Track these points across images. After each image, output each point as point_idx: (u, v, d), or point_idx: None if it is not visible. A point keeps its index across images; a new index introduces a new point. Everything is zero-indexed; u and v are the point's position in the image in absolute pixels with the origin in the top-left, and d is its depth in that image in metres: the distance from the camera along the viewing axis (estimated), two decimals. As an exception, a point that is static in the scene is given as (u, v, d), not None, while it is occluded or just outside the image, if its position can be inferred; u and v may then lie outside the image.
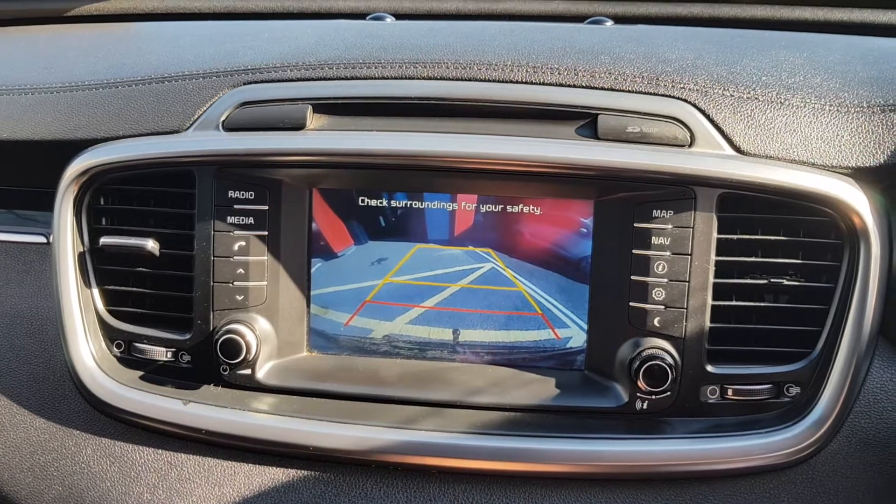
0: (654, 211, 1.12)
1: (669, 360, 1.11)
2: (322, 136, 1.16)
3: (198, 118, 1.20)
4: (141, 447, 1.20)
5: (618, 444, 1.12)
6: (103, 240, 1.21)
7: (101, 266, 1.24)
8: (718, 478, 1.12)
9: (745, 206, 1.12)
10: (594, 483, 1.13)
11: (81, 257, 1.23)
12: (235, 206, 1.18)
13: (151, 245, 1.20)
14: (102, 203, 1.24)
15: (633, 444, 1.12)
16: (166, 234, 1.21)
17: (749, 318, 1.14)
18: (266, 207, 1.18)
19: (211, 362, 1.19)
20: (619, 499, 1.12)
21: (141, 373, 1.23)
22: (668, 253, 1.12)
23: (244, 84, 1.20)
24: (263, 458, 1.17)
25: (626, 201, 1.13)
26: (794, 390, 1.14)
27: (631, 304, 1.14)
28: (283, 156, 1.16)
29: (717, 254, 1.12)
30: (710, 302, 1.12)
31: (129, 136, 1.21)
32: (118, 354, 1.24)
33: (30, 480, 1.21)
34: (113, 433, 1.21)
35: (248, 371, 1.20)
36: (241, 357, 1.16)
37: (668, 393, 1.13)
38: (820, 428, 1.10)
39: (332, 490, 1.15)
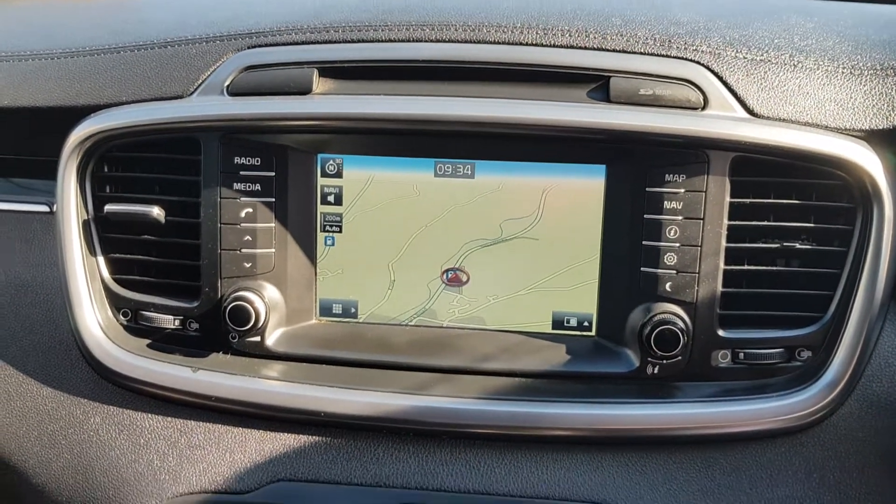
0: (667, 175, 1.10)
1: (681, 324, 1.10)
2: (329, 101, 1.15)
3: (202, 83, 1.18)
4: (150, 415, 1.19)
5: (628, 409, 1.12)
6: (108, 207, 1.20)
7: (106, 234, 1.23)
8: (729, 441, 1.12)
9: (757, 169, 1.11)
10: (605, 447, 1.13)
11: (86, 226, 1.22)
12: (241, 173, 1.17)
13: (157, 212, 1.19)
14: (106, 171, 1.22)
15: (643, 408, 1.12)
16: (172, 202, 1.20)
17: (761, 283, 1.14)
18: (273, 173, 1.17)
19: (219, 330, 1.19)
20: (629, 462, 1.12)
21: (148, 341, 1.23)
22: (680, 217, 1.11)
23: (248, 48, 1.18)
24: (274, 425, 1.17)
25: (639, 165, 1.12)
26: (806, 354, 1.13)
27: (643, 269, 1.13)
28: (289, 120, 1.15)
29: (730, 218, 1.11)
30: (722, 266, 1.11)
31: (133, 102, 1.19)
32: (125, 323, 1.23)
33: (38, 449, 1.21)
34: (121, 401, 1.20)
35: (258, 338, 1.19)
36: (250, 324, 1.16)
37: (679, 358, 1.13)
38: (831, 392, 1.10)
39: (343, 455, 1.15)
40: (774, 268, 1.13)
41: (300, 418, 1.16)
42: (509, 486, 1.12)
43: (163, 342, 1.22)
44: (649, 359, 1.14)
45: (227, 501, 1.14)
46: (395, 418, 1.14)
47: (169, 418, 1.19)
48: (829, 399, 1.10)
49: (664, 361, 1.13)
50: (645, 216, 1.12)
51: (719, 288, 1.12)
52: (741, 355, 1.13)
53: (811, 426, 1.11)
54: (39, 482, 1.21)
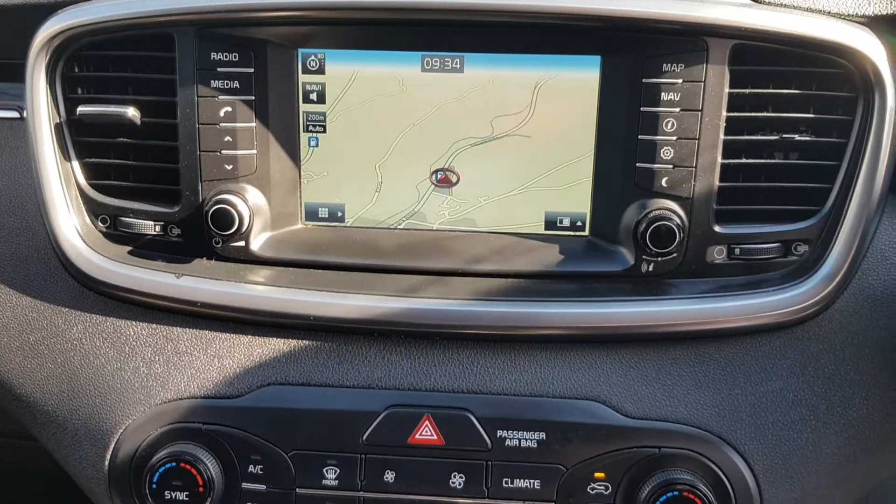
0: (665, 65, 1.06)
1: (677, 220, 1.08)
2: (310, -10, 1.08)
3: (174, -26, 1.11)
4: (134, 322, 1.16)
5: (623, 307, 1.11)
6: (80, 109, 1.14)
7: (79, 138, 1.17)
8: (724, 336, 1.11)
9: (757, 58, 1.07)
10: (599, 345, 1.12)
11: (59, 129, 1.16)
12: (219, 70, 1.11)
13: (132, 113, 1.13)
14: (77, 71, 1.16)
15: (638, 305, 1.11)
16: (147, 102, 1.14)
17: (758, 177, 1.11)
18: (251, 70, 1.12)
19: (202, 235, 1.15)
20: (623, 359, 1.11)
21: (129, 248, 1.19)
22: (677, 110, 1.07)
23: (224, -65, 1.11)
24: (262, 330, 1.15)
25: (635, 55, 1.08)
26: (802, 248, 1.12)
27: (638, 165, 1.10)
28: (268, 11, 1.09)
29: (728, 110, 1.08)
30: (719, 160, 1.09)
31: (102, -4, 1.13)
32: (104, 230, 1.19)
33: (20, 359, 1.18)
34: (103, 310, 1.17)
35: (242, 243, 1.16)
36: (234, 228, 1.12)
37: (675, 254, 1.11)
38: (827, 285, 1.09)
39: (334, 358, 1.13)
40: (772, 160, 1.11)
41: (289, 323, 1.14)
42: (503, 385, 1.11)
43: (144, 249, 1.19)
44: (644, 256, 1.12)
45: (217, 406, 1.12)
46: (385, 321, 1.12)
47: (154, 325, 1.16)
48: (825, 293, 1.09)
49: (659, 259, 1.11)
50: (641, 109, 1.08)
51: (716, 182, 1.09)
52: (737, 251, 1.12)
53: (806, 320, 1.10)
54: (24, 392, 1.18)
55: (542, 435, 1.09)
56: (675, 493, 1.05)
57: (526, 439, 1.10)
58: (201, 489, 1.09)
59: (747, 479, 1.08)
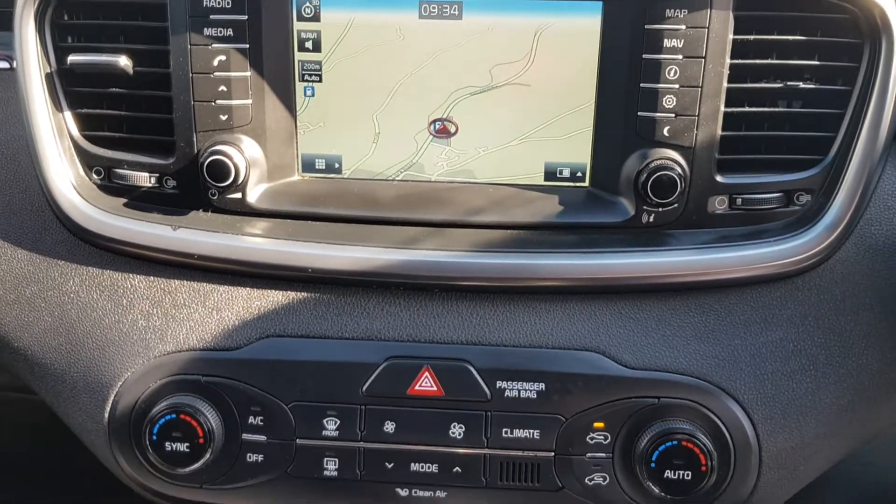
0: (668, 10, 1.04)
1: (678, 170, 1.07)
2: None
3: (164, -85, 1.08)
4: (131, 275, 1.15)
5: (623, 258, 1.10)
6: (71, 58, 1.12)
7: (71, 88, 1.15)
8: (724, 287, 1.10)
9: (762, 4, 1.05)
10: (598, 296, 1.11)
11: (50, 79, 1.14)
12: (212, 17, 1.09)
13: (124, 62, 1.11)
14: (67, 19, 1.13)
15: (638, 256, 1.10)
16: (139, 51, 1.12)
17: (761, 126, 1.10)
18: (245, 17, 1.09)
19: (198, 186, 1.14)
20: (623, 310, 1.11)
21: (124, 200, 1.17)
22: (680, 57, 1.05)
23: None
24: (260, 282, 1.14)
25: (637, 0, 1.05)
26: (805, 198, 1.11)
27: (640, 113, 1.08)
28: (262, -44, 1.06)
29: (732, 57, 1.05)
30: (722, 109, 1.07)
31: (90, -61, 1.10)
32: (98, 182, 1.18)
33: (16, 313, 1.17)
34: (100, 262, 1.16)
35: (238, 195, 1.14)
36: (230, 180, 1.11)
37: (676, 205, 1.10)
38: (829, 235, 1.08)
39: (333, 310, 1.13)
40: (776, 109, 1.09)
41: (287, 275, 1.13)
42: (503, 337, 1.11)
43: (139, 201, 1.17)
44: (645, 207, 1.10)
45: (216, 358, 1.12)
46: (384, 272, 1.11)
47: (151, 278, 1.15)
48: (827, 243, 1.08)
49: (660, 209, 1.10)
50: (643, 56, 1.06)
51: (718, 131, 1.08)
52: (739, 201, 1.10)
53: (807, 270, 1.09)
54: (21, 346, 1.18)
55: (542, 385, 1.10)
56: (674, 442, 1.05)
57: (525, 390, 1.10)
58: (201, 440, 1.09)
59: (746, 429, 1.08)
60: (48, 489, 2.11)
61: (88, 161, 1.17)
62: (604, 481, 1.11)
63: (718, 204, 1.11)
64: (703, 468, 1.06)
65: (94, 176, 1.18)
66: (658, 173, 1.07)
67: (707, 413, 1.08)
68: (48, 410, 1.24)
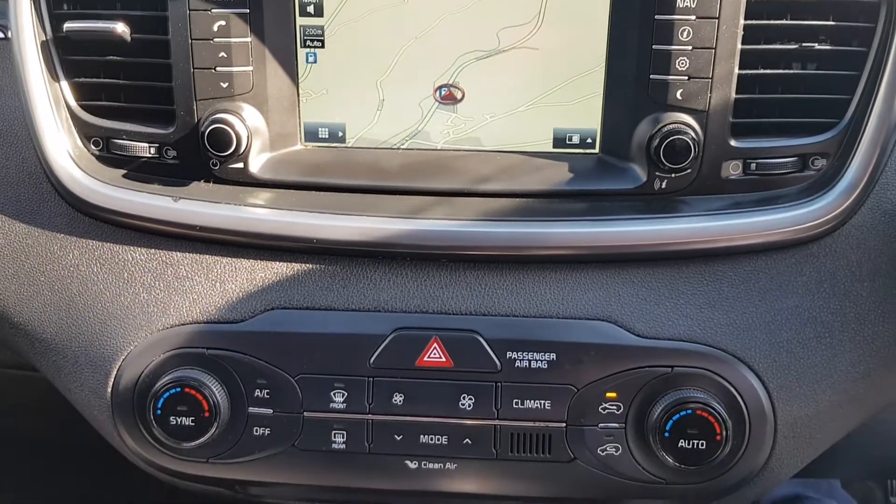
0: (681, -31, 1.01)
1: (692, 134, 1.04)
2: None
3: None
4: (131, 248, 1.13)
5: (634, 225, 1.07)
6: (67, 25, 1.09)
7: (67, 57, 1.12)
8: (738, 254, 1.08)
9: (777, -38, 1.02)
10: (609, 265, 1.09)
11: (45, 48, 1.11)
12: (211, -19, 1.06)
13: (121, 29, 1.08)
14: (62, -16, 1.11)
15: (650, 223, 1.08)
16: (136, 17, 1.09)
17: (776, 89, 1.07)
18: (245, -19, 1.06)
19: (199, 156, 1.11)
20: (635, 279, 1.09)
21: (123, 171, 1.15)
22: (693, 17, 1.02)
23: None
24: (264, 254, 1.11)
25: (649, -40, 1.02)
26: (820, 163, 1.09)
27: (652, 77, 1.05)
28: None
29: (746, 17, 1.03)
30: (736, 71, 1.04)
31: None
32: (97, 153, 1.15)
33: (16, 287, 1.15)
34: (99, 235, 1.14)
35: (241, 165, 1.12)
36: (232, 149, 1.08)
37: (689, 170, 1.07)
38: (845, 200, 1.06)
39: (338, 282, 1.10)
40: (791, 71, 1.06)
41: (291, 246, 1.10)
42: (512, 307, 1.09)
43: (139, 172, 1.14)
44: (657, 173, 1.08)
45: (220, 331, 1.10)
46: (391, 242, 1.08)
47: (152, 250, 1.13)
48: (843, 208, 1.06)
49: (673, 175, 1.08)
50: (655, 17, 1.03)
51: (732, 94, 1.05)
52: (753, 166, 1.08)
53: (822, 236, 1.07)
54: (21, 320, 1.15)
55: (553, 356, 1.07)
56: (688, 411, 1.03)
57: (536, 360, 1.08)
58: (207, 414, 1.07)
59: (761, 398, 1.07)
60: (52, 468, 2.10)
61: (86, 131, 1.15)
62: (616, 452, 1.09)
63: (732, 169, 1.09)
64: (718, 437, 1.04)
65: (93, 147, 1.15)
66: (671, 138, 1.04)
67: (721, 382, 1.06)
68: (50, 388, 1.22)
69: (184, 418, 1.08)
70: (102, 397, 1.13)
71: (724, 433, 1.04)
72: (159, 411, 1.08)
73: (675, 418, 1.04)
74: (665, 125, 1.05)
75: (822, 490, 1.70)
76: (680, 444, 1.04)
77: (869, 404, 1.14)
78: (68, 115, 1.14)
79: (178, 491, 1.28)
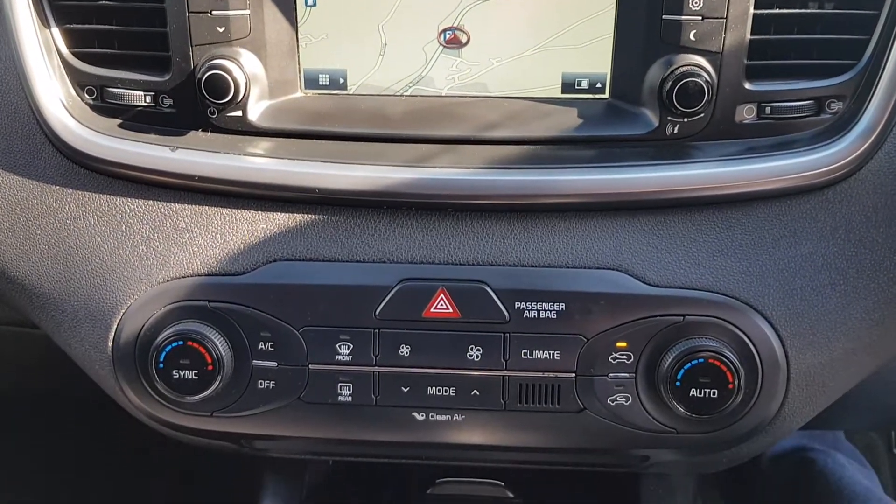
0: None
1: (706, 76, 1.01)
2: None
3: None
4: (129, 199, 1.10)
5: (645, 171, 1.04)
6: (56, -32, 1.05)
7: (58, 2, 1.08)
8: (752, 200, 1.05)
9: None
10: (620, 213, 1.06)
11: (35, -8, 1.08)
12: (205, -82, 1.02)
13: (113, -29, 1.04)
14: (50, -75, 1.06)
15: (661, 170, 1.04)
16: (129, -42, 1.05)
17: (792, 29, 1.03)
18: (241, -83, 1.02)
19: (196, 104, 1.08)
20: (646, 227, 1.06)
21: (118, 121, 1.11)
22: (708, -46, 0.99)
23: None
24: (265, 205, 1.08)
25: None
26: (836, 106, 1.05)
27: (664, 16, 1.02)
28: None
29: (762, -48, 0.99)
30: (751, 11, 1.01)
31: None
32: (91, 102, 1.11)
33: (12, 241, 1.12)
34: (96, 187, 1.10)
35: (239, 113, 1.09)
36: (229, 96, 1.05)
37: (702, 114, 1.04)
38: (862, 144, 1.03)
39: (342, 233, 1.08)
40: (808, 10, 1.03)
41: (293, 196, 1.07)
42: (520, 257, 1.06)
43: (135, 121, 1.11)
44: (669, 117, 1.05)
45: (222, 283, 1.08)
46: (395, 192, 1.06)
47: (150, 202, 1.10)
48: (860, 152, 1.03)
49: (685, 120, 1.05)
50: (668, -47, 1.00)
51: (748, 35, 1.02)
52: (768, 109, 1.05)
53: (838, 181, 1.04)
54: (17, 275, 1.13)
55: (562, 306, 1.05)
56: (700, 360, 1.02)
57: (545, 311, 1.06)
58: (210, 367, 1.06)
59: (774, 346, 1.05)
60: (54, 427, 2.10)
61: (79, 80, 1.11)
62: (626, 402, 1.07)
63: (746, 113, 1.05)
64: (731, 386, 1.02)
65: (87, 96, 1.12)
66: (684, 80, 1.01)
67: (734, 330, 1.04)
68: (51, 344, 1.21)
69: (186, 372, 1.06)
70: (103, 352, 1.12)
71: (736, 382, 1.03)
72: (161, 365, 1.06)
73: (686, 367, 1.02)
74: (678, 67, 1.02)
75: (827, 442, 1.70)
76: (691, 393, 1.03)
77: (883, 352, 1.12)
78: (60, 64, 1.10)
79: (183, 447, 1.27)
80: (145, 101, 1.10)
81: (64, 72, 1.11)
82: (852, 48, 1.04)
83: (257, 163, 1.08)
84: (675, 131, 1.06)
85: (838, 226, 1.05)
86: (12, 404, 1.95)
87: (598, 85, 1.10)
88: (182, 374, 1.06)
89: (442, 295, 1.07)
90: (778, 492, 1.63)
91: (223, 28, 1.06)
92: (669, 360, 1.03)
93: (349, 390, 1.10)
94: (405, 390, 1.09)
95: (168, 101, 1.10)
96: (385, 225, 1.08)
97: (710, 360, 1.02)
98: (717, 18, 1.01)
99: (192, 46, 1.06)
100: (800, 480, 1.59)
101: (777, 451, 1.67)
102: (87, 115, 1.11)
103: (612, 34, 1.07)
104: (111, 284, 1.10)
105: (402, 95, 1.12)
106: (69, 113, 1.09)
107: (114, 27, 1.08)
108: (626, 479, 1.52)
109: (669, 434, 1.09)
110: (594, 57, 1.09)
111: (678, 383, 1.03)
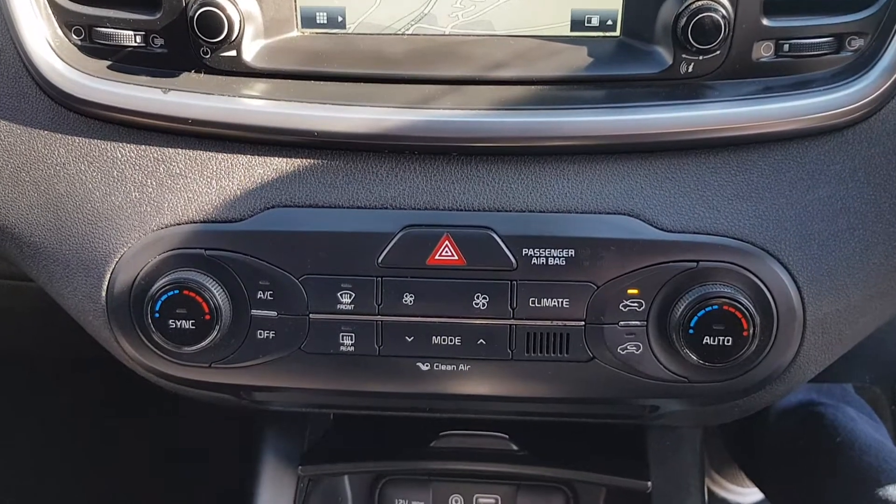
0: None
1: (722, 11, 0.97)
2: None
3: None
4: (121, 144, 1.06)
5: (658, 112, 1.00)
6: None
7: (40, -64, 1.04)
8: (769, 142, 1.01)
9: None
10: (632, 155, 1.02)
11: (15, -76, 1.02)
12: None
13: None
14: None
15: (674, 110, 1.00)
16: None
17: (812, -39, 0.99)
18: None
19: (189, 44, 1.03)
20: (658, 170, 1.02)
21: (108, 62, 1.07)
22: None
23: None
24: (262, 149, 1.04)
25: None
26: (857, 43, 1.01)
27: (679, -53, 0.97)
28: None
29: None
30: (770, -60, 0.96)
31: None
32: (79, 43, 1.07)
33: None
34: (86, 131, 1.06)
35: (233, 53, 1.04)
36: (223, 35, 1.01)
37: (718, 52, 1.00)
38: (883, 83, 0.99)
39: (342, 178, 1.04)
40: (828, -60, 0.98)
41: (291, 140, 1.03)
42: (528, 202, 1.03)
43: (125, 62, 1.06)
44: (683, 55, 1.01)
45: (218, 230, 1.04)
46: (397, 134, 1.01)
47: (142, 147, 1.06)
48: (881, 91, 0.99)
49: (700, 57, 1.00)
50: None
51: (766, -33, 0.97)
52: (786, 47, 1.01)
53: (858, 122, 1.00)
54: (7, 223, 1.09)
55: (571, 252, 1.02)
56: (714, 307, 0.98)
57: (553, 257, 1.02)
58: (208, 317, 1.02)
59: (790, 292, 1.02)
60: (51, 384, 2.08)
61: (67, 19, 1.06)
62: (637, 350, 1.05)
63: (764, 51, 1.01)
64: (745, 333, 0.99)
65: (74, 36, 1.07)
66: (699, 16, 0.97)
67: (749, 276, 1.01)
68: (45, 297, 1.17)
69: (183, 321, 1.03)
70: (97, 302, 1.08)
71: (751, 329, 0.99)
72: (157, 314, 1.03)
73: (700, 314, 0.99)
74: (693, 2, 0.97)
75: (835, 395, 1.68)
76: (705, 340, 1.00)
77: (901, 299, 1.09)
78: (46, 3, 1.06)
79: (182, 399, 1.25)
80: (135, 42, 1.05)
81: (50, 11, 1.06)
82: (875, -19, 1.00)
83: (253, 105, 1.03)
84: (690, 70, 1.01)
85: (858, 168, 1.02)
86: (9, 362, 1.92)
87: (609, 22, 1.05)
88: (179, 323, 1.03)
89: (447, 241, 1.03)
90: (786, 445, 1.62)
91: (215, -38, 1.01)
92: (682, 307, 1.00)
93: (351, 340, 1.07)
94: (409, 340, 1.06)
95: (159, 41, 1.05)
96: (387, 169, 1.04)
97: (725, 307, 0.99)
98: (734, -51, 0.96)
99: (182, -18, 1.01)
100: (808, 434, 1.57)
101: (784, 405, 1.65)
102: (76, 56, 1.06)
103: (623, -33, 1.02)
104: (103, 232, 1.06)
105: (403, 34, 1.07)
106: (56, 54, 1.05)
107: (101, -38, 1.04)
108: (631, 431, 1.49)
109: (681, 383, 1.06)
110: (605, -8, 1.04)
111: (691, 331, 0.99)
